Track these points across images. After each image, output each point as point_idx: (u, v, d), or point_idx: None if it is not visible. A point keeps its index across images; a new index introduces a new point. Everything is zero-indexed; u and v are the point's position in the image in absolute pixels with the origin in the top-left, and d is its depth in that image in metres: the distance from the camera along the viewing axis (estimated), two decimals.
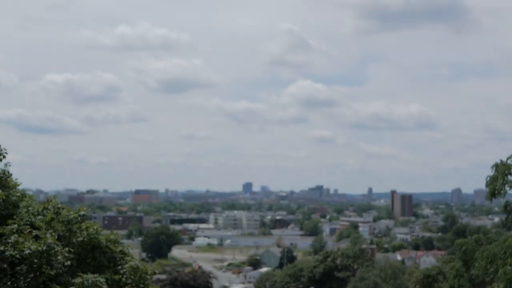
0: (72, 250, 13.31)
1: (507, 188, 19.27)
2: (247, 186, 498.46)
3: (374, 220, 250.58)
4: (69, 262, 12.82)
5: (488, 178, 19.40)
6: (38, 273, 12.24)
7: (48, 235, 12.70)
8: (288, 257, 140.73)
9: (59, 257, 12.52)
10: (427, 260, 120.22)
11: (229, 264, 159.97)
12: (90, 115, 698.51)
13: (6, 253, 12.47)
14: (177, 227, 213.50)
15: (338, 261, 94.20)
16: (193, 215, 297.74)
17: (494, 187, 19.15)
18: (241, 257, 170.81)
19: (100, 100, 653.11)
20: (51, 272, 12.30)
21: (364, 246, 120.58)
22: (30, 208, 14.66)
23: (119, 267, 14.26)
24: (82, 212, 14.42)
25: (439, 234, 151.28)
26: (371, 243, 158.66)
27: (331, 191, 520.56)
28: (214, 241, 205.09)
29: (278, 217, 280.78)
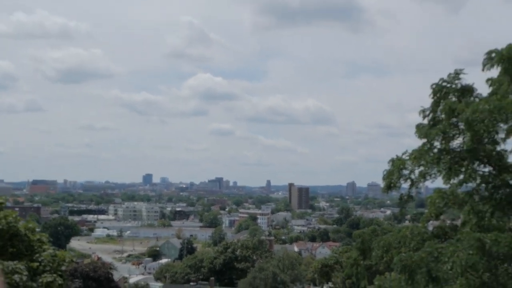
0: None
1: (401, 182, 20.52)
2: (147, 178, 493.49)
3: (272, 212, 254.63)
4: None
5: (384, 172, 20.59)
6: None
7: None
8: (188, 248, 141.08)
9: None
10: (323, 252, 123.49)
11: (129, 256, 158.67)
12: None
13: None
14: (76, 218, 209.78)
15: (237, 252, 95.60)
16: (92, 206, 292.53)
17: (390, 180, 20.28)
18: (141, 249, 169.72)
19: None
20: None
21: (262, 237, 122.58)
22: None
23: (37, 254, 14.50)
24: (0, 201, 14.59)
25: (335, 226, 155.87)
26: (270, 234, 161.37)
27: (231, 183, 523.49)
28: (114, 233, 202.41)
29: (178, 209, 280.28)
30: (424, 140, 19.61)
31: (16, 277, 12.92)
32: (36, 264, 14.14)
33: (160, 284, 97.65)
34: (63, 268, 14.76)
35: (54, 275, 13.74)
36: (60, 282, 14.15)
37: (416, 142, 20.08)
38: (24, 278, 13.17)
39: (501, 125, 17.81)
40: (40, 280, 13.29)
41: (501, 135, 18.60)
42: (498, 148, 18.92)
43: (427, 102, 19.80)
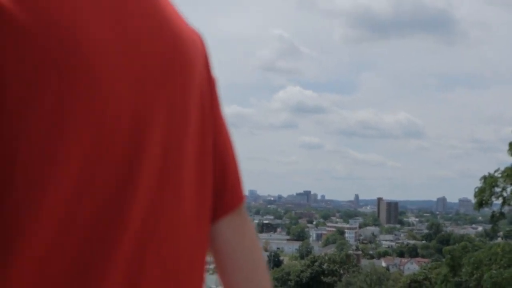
0: None
1: (493, 199, 20.73)
2: None
3: (360, 227, 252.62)
4: None
5: (476, 189, 20.85)
6: None
7: None
8: (274, 261, 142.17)
9: None
10: (411, 267, 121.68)
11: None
12: None
13: None
14: None
15: (324, 266, 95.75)
16: None
17: (482, 197, 20.57)
18: None
19: None
20: None
21: (350, 252, 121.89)
22: None
23: None
24: None
25: (424, 241, 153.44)
26: (357, 249, 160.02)
27: (319, 197, 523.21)
28: None
29: (265, 221, 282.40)
30: None
31: None
32: None
33: None
34: None
35: None
36: None
37: (510, 158, 20.23)
38: None
39: None
40: None
41: None
42: None
43: None
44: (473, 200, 21.50)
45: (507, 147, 19.99)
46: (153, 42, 0.94)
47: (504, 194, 20.33)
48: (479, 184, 20.92)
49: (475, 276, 21.30)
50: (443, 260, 29.89)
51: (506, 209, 21.01)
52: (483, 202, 20.59)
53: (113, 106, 0.86)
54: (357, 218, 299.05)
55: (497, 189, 20.52)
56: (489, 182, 20.47)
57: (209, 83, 1.10)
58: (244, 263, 1.16)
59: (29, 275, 0.79)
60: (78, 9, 0.85)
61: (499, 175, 20.38)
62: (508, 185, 20.23)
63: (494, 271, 19.01)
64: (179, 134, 0.97)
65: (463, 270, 22.18)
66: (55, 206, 0.80)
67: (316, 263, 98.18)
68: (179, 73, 0.98)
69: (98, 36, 0.86)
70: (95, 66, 0.84)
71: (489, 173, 20.72)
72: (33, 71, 0.80)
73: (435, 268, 35.32)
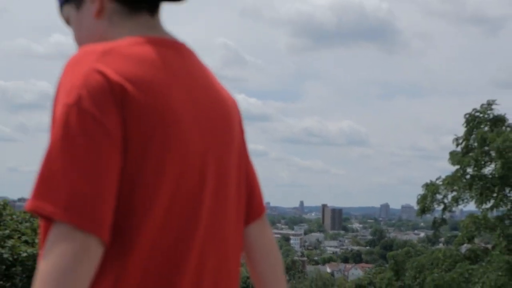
0: None
1: (435, 206, 21.51)
2: None
3: (305, 233, 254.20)
4: None
5: (419, 197, 21.61)
6: (31, 274, 13.74)
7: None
8: None
9: None
10: (355, 273, 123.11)
11: None
12: (22, 123, 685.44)
13: (4, 256, 13.96)
14: None
15: None
16: None
17: (424, 204, 21.29)
18: None
19: (34, 108, 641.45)
20: None
21: (295, 258, 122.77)
22: (14, 216, 16.07)
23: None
24: None
25: (368, 247, 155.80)
26: (302, 255, 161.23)
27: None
28: None
29: None
30: (457, 167, 20.59)
31: None
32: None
33: None
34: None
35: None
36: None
37: (450, 166, 21.07)
38: None
39: None
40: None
41: None
42: None
43: (461, 124, 20.82)
44: (416, 207, 22.24)
45: (446, 155, 20.83)
46: (210, 105, 1.44)
47: (445, 201, 21.07)
48: (420, 191, 21.63)
49: (418, 280, 22.04)
50: (387, 265, 30.70)
51: (447, 215, 21.77)
52: (425, 208, 21.29)
53: (191, 151, 1.34)
54: (302, 224, 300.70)
55: (439, 196, 21.27)
56: (431, 189, 21.21)
57: (242, 132, 1.64)
58: (268, 255, 1.70)
59: (139, 266, 1.26)
60: (169, 88, 1.33)
61: (441, 183, 21.16)
62: (449, 192, 21.00)
63: (436, 275, 19.79)
64: (226, 166, 1.47)
65: (407, 274, 22.90)
66: (155, 220, 1.27)
67: None
68: (226, 125, 1.49)
69: (181, 105, 1.34)
70: (182, 125, 1.32)
71: (431, 181, 21.49)
72: (145, 132, 1.26)
73: (380, 273, 36.15)
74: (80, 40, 1.54)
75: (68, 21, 1.57)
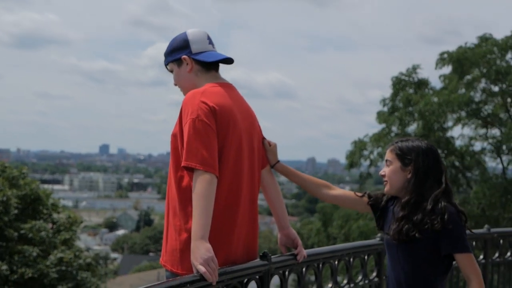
0: (19, 201, 15.73)
1: (362, 161, 23.10)
2: (104, 148, 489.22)
3: None
4: (16, 211, 15.29)
5: (347, 152, 23.15)
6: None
7: (6, 189, 15.11)
8: (145, 219, 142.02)
9: (11, 207, 14.94)
10: None
11: (85, 227, 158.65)
12: None
13: None
14: None
15: None
16: (47, 176, 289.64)
17: (352, 159, 22.86)
18: (97, 219, 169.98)
19: None
20: (6, 219, 14.72)
21: None
22: None
23: (55, 215, 16.80)
24: (24, 171, 16.86)
25: (293, 200, 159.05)
26: None
27: None
28: (69, 203, 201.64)
29: (135, 180, 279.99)
30: (384, 125, 22.25)
31: (43, 233, 15.29)
32: (55, 223, 16.40)
33: (118, 255, 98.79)
34: (75, 228, 17.12)
35: (70, 233, 16.13)
36: (74, 239, 16.50)
37: (375, 121, 22.65)
38: (50, 235, 15.54)
39: (449, 115, 20.60)
40: (59, 237, 15.62)
41: (449, 123, 21.45)
42: (447, 135, 21.73)
43: (389, 78, 22.42)
44: (341, 161, 23.81)
45: (372, 109, 22.44)
46: (246, 113, 3.11)
47: (371, 156, 22.69)
48: (347, 145, 23.19)
49: (344, 230, 23.70)
50: (312, 218, 32.30)
51: (372, 170, 23.41)
52: (353, 163, 22.85)
53: (239, 133, 2.99)
54: None
55: (366, 152, 22.85)
56: (359, 146, 22.73)
57: (259, 126, 3.28)
58: (277, 192, 3.35)
59: (224, 191, 2.90)
60: (231, 106, 2.98)
61: (368, 140, 22.75)
62: (375, 149, 22.59)
63: (361, 222, 21.60)
64: (253, 140, 3.13)
65: (334, 223, 24.60)
66: (229, 165, 2.93)
67: None
68: (252, 121, 3.17)
69: (236, 113, 3.00)
70: (238, 122, 2.98)
71: (359, 138, 23.10)
72: (224, 126, 2.90)
73: (307, 224, 37.91)
74: (180, 84, 3.16)
75: (171, 71, 3.17)
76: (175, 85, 3.20)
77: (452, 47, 21.29)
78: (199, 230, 2.64)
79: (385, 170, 3.16)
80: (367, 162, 22.87)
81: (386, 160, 3.16)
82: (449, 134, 21.83)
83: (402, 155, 3.08)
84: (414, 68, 22.11)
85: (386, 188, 3.16)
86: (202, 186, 2.70)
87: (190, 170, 2.80)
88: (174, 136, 2.96)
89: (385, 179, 3.15)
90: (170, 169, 3.01)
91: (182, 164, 2.79)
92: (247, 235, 3.02)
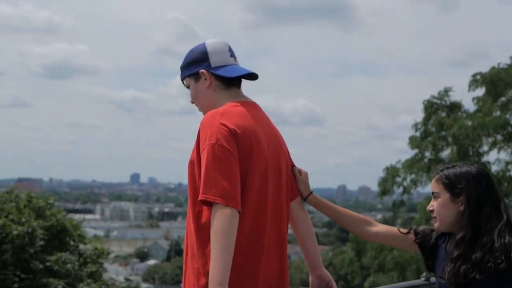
0: (45, 232, 15.57)
1: (395, 188, 22.62)
2: (135, 177, 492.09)
3: None
4: (42, 242, 15.10)
5: (379, 179, 22.71)
6: (21, 251, 14.41)
7: (32, 220, 14.96)
8: (176, 250, 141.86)
9: (37, 239, 14.76)
10: None
11: (116, 256, 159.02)
12: None
13: None
14: None
15: None
16: (78, 205, 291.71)
17: (385, 186, 22.42)
18: (128, 249, 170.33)
19: None
20: (32, 250, 14.53)
21: None
22: None
23: (81, 247, 16.59)
24: (50, 201, 16.75)
25: (325, 229, 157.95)
26: None
27: None
28: (101, 233, 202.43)
29: (166, 209, 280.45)
30: (416, 151, 21.76)
31: (69, 266, 15.05)
32: (82, 255, 16.18)
33: (148, 285, 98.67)
34: (102, 260, 16.88)
35: (97, 265, 15.86)
36: (101, 271, 16.27)
37: (406, 145, 22.19)
38: (76, 267, 15.29)
39: (484, 139, 20.02)
40: (85, 269, 15.38)
41: (485, 148, 20.85)
42: (482, 160, 21.11)
43: (418, 103, 22.01)
44: (372, 188, 23.37)
45: (402, 135, 22.03)
46: (271, 134, 2.66)
47: (405, 183, 22.20)
48: (378, 172, 22.80)
49: (377, 260, 23.16)
50: (344, 247, 31.77)
51: (405, 197, 22.93)
52: (386, 190, 22.38)
53: (265, 156, 2.56)
54: None
55: (398, 179, 22.37)
56: (391, 172, 22.29)
57: (286, 148, 2.80)
58: (308, 227, 2.86)
59: (248, 221, 2.47)
60: (255, 127, 2.56)
61: (400, 166, 22.28)
62: (408, 175, 22.11)
63: (396, 253, 21.01)
64: (280, 165, 2.67)
65: (368, 254, 24.05)
66: (254, 193, 2.50)
67: None
68: (279, 143, 2.70)
69: (260, 135, 2.57)
70: (262, 145, 2.55)
71: (391, 165, 22.63)
72: (247, 150, 2.48)
73: (339, 254, 37.34)
74: (197, 101, 2.75)
75: (188, 87, 2.76)
76: (192, 102, 2.77)
77: (481, 70, 20.67)
78: (218, 275, 2.24)
79: (432, 204, 2.70)
80: (400, 189, 22.46)
81: (433, 193, 2.71)
82: (484, 159, 21.19)
83: (451, 185, 2.65)
84: (446, 91, 21.63)
85: (436, 225, 2.70)
86: (222, 222, 2.29)
87: (209, 204, 2.37)
88: (191, 163, 2.53)
89: (434, 214, 2.69)
90: (189, 203, 2.58)
91: (200, 198, 2.36)
92: (274, 280, 2.55)
